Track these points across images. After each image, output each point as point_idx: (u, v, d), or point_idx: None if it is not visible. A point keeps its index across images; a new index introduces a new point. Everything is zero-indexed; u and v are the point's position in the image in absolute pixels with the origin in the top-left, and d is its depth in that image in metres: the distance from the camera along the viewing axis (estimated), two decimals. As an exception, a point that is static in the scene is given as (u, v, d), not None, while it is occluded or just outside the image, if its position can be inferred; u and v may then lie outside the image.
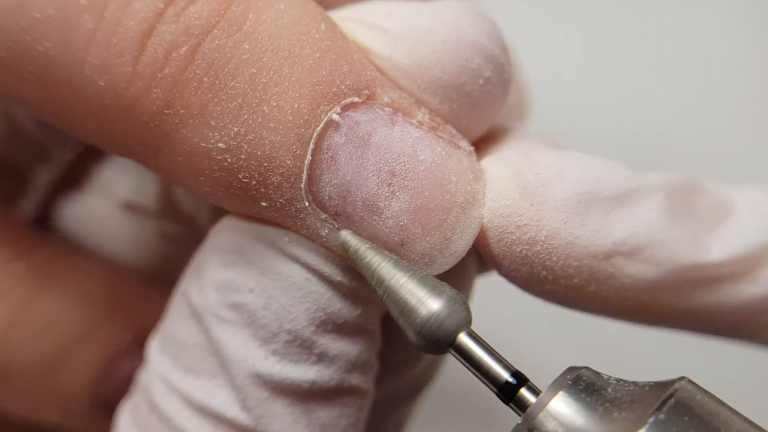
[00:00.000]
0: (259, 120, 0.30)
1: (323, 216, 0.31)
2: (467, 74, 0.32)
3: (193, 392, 0.33)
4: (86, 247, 0.43)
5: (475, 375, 0.30)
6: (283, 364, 0.32)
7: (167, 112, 0.29)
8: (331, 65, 0.30)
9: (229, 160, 0.30)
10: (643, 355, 0.62)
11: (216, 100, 0.29)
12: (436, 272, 0.32)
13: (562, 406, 0.28)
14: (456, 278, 0.35)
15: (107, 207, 0.42)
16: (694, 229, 0.33)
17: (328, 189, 0.30)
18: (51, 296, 0.39)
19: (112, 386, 0.40)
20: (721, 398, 0.29)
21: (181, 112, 0.29)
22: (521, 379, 0.29)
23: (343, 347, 0.32)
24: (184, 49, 0.29)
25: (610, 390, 0.29)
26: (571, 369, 0.30)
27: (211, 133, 0.30)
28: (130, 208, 0.42)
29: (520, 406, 0.29)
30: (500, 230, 0.32)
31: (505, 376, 0.29)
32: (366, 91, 0.31)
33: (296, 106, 0.30)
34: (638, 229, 0.32)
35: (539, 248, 0.32)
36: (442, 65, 0.32)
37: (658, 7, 0.79)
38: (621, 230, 0.32)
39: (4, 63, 0.30)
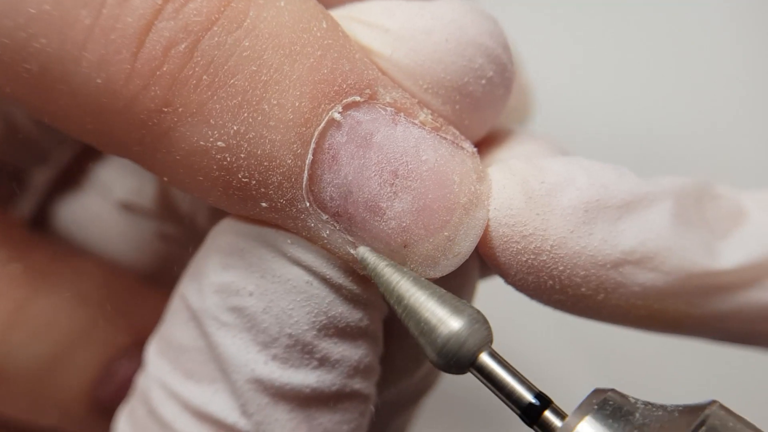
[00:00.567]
0: (260, 118, 0.29)
1: (324, 217, 0.30)
2: (470, 74, 0.32)
3: (192, 397, 0.33)
4: (84, 248, 0.42)
5: (497, 396, 0.29)
6: (283, 369, 0.32)
7: (166, 110, 0.29)
8: (332, 64, 0.30)
9: (228, 159, 0.30)
10: (661, 360, 0.62)
11: (215, 98, 0.29)
12: (439, 274, 0.32)
13: (590, 430, 0.28)
14: (458, 282, 0.34)
15: (105, 207, 0.42)
16: (705, 235, 0.33)
17: (329, 189, 0.30)
18: (48, 297, 0.39)
19: (110, 389, 0.40)
20: (754, 421, 0.28)
21: (180, 110, 0.29)
22: (545, 401, 0.29)
23: (345, 351, 0.32)
24: (183, 47, 0.29)
25: (638, 415, 0.28)
26: (597, 392, 0.29)
27: (210, 132, 0.29)
28: (128, 208, 0.42)
29: (545, 428, 0.29)
30: (505, 239, 0.32)
31: (529, 397, 0.29)
32: (368, 91, 0.31)
33: (297, 104, 0.30)
34: (648, 237, 0.32)
35: (545, 258, 0.31)
36: (444, 65, 0.32)
37: (660, 9, 0.79)
38: (630, 238, 0.32)
39: None
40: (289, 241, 0.31)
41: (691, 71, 0.77)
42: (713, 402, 0.28)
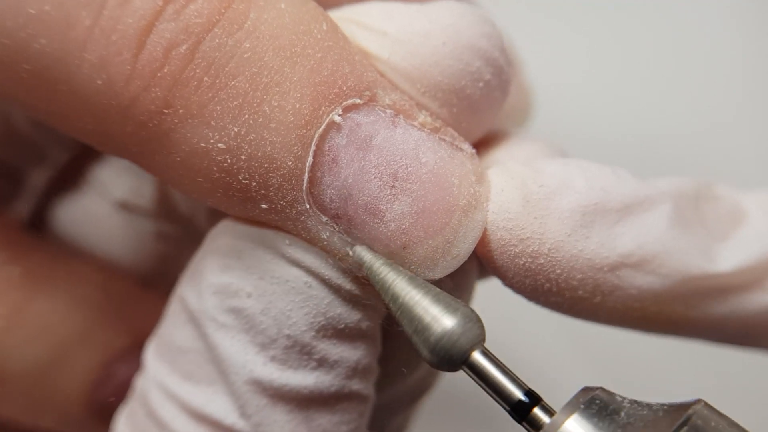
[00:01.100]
0: (260, 120, 0.29)
1: (324, 219, 0.31)
2: (467, 78, 0.32)
3: (191, 399, 0.33)
4: (82, 248, 0.42)
5: (488, 393, 0.30)
6: (282, 370, 0.32)
7: (166, 111, 0.29)
8: (332, 66, 0.30)
9: (229, 160, 0.30)
10: (659, 358, 0.62)
11: (216, 99, 0.29)
12: (438, 276, 0.32)
13: (576, 428, 0.28)
14: (456, 282, 0.35)
15: (103, 207, 0.42)
16: (703, 238, 0.33)
17: (329, 191, 0.30)
18: (46, 300, 0.39)
19: (109, 391, 0.40)
20: (737, 419, 0.28)
21: (181, 111, 0.29)
22: (534, 398, 0.29)
23: (344, 352, 0.32)
24: (184, 48, 0.29)
25: (623, 414, 0.29)
26: (585, 390, 0.30)
27: (210, 133, 0.29)
28: (127, 208, 0.42)
29: (533, 425, 0.29)
30: (503, 243, 0.32)
31: (518, 395, 0.29)
32: (367, 93, 0.31)
33: (297, 106, 0.30)
34: (645, 240, 0.32)
35: (542, 261, 0.32)
36: (442, 69, 0.32)
37: (661, 10, 0.79)
38: (628, 242, 0.32)
39: None
40: (287, 242, 0.31)
41: (692, 71, 0.77)
42: (698, 401, 0.29)
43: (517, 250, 0.32)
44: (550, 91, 0.53)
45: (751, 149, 0.74)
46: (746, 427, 0.28)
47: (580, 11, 0.78)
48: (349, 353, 0.32)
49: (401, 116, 0.31)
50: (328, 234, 0.31)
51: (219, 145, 0.30)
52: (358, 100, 0.31)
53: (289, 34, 0.30)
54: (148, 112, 0.29)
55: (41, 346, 0.39)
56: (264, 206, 0.31)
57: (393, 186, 0.30)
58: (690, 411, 0.28)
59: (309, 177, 0.30)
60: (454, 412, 0.62)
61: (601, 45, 0.78)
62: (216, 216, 0.34)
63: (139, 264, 0.43)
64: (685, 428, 0.27)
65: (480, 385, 0.30)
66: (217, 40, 0.29)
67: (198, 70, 0.29)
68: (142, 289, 0.42)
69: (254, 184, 0.30)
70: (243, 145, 0.30)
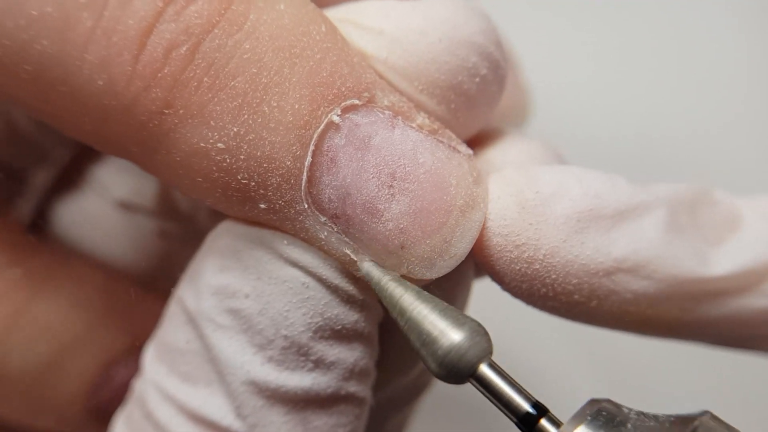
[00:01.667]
0: (260, 120, 0.30)
1: (323, 219, 0.31)
2: (463, 73, 0.33)
3: (188, 400, 0.33)
4: (83, 248, 0.43)
5: (495, 405, 0.30)
6: (279, 372, 0.32)
7: (167, 111, 0.30)
8: (331, 67, 0.31)
9: (228, 160, 0.30)
10: (662, 362, 0.62)
11: (216, 99, 0.30)
12: (435, 275, 0.32)
13: None
14: (454, 282, 0.35)
15: (104, 207, 0.42)
16: (698, 243, 0.33)
17: (327, 191, 0.31)
18: (47, 301, 0.39)
19: (108, 393, 0.40)
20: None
21: (181, 111, 0.30)
22: (541, 410, 0.30)
23: (341, 354, 0.32)
24: (184, 49, 0.29)
25: (630, 426, 0.29)
26: (592, 402, 0.30)
27: (210, 133, 0.30)
28: (127, 207, 0.42)
29: None
30: (499, 249, 0.33)
31: (526, 407, 0.30)
32: (366, 94, 0.31)
33: (296, 107, 0.30)
34: (640, 245, 0.32)
35: (538, 266, 0.32)
36: (438, 66, 0.33)
37: (660, 9, 0.79)
38: (622, 247, 0.32)
39: None
40: (285, 242, 0.32)
41: (692, 71, 0.77)
42: (705, 413, 0.29)
43: (513, 256, 0.32)
44: (548, 90, 0.53)
45: (753, 150, 0.74)
46: None
47: (579, 10, 0.78)
48: (346, 354, 0.33)
49: (399, 117, 0.32)
50: (326, 234, 0.31)
51: (218, 144, 0.30)
52: (356, 101, 0.31)
53: (288, 35, 0.30)
54: (149, 113, 0.30)
55: (41, 347, 0.39)
56: (263, 206, 0.31)
57: (391, 186, 0.31)
58: (696, 423, 0.28)
59: (307, 177, 0.30)
60: (454, 411, 0.62)
61: (599, 44, 0.78)
62: (217, 214, 0.34)
63: (140, 263, 0.43)
64: None
65: (487, 398, 0.30)
66: (216, 41, 0.30)
67: (198, 71, 0.29)
68: (143, 291, 0.42)
69: (253, 183, 0.30)
70: (242, 144, 0.30)
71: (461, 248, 0.32)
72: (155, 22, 0.29)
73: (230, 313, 0.32)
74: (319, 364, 0.32)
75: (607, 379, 0.64)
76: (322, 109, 0.30)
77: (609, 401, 0.30)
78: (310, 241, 0.32)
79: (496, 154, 0.36)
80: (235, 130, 0.30)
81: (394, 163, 0.31)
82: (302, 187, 0.31)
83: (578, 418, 0.29)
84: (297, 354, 0.32)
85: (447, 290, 0.34)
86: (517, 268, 0.33)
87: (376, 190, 0.31)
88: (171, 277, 0.36)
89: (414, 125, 0.32)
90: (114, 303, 0.41)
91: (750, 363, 0.41)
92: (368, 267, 0.31)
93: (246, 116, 0.30)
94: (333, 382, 0.33)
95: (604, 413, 0.29)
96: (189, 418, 0.33)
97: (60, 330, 0.40)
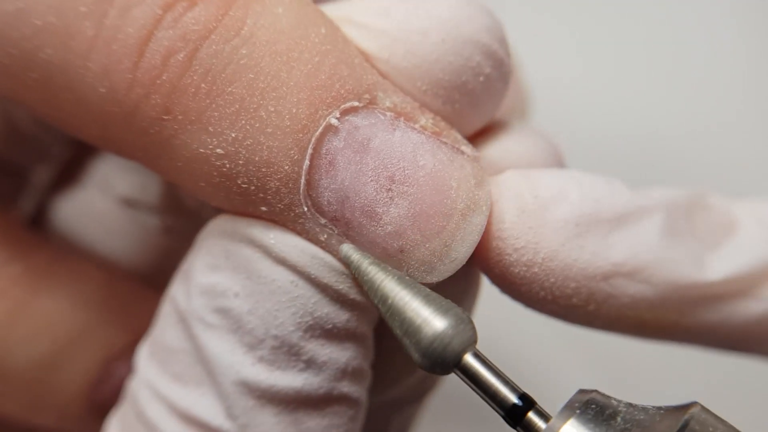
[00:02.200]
0: (257, 125, 0.30)
1: (322, 221, 0.31)
2: (468, 73, 0.33)
3: (179, 400, 0.33)
4: (86, 245, 0.43)
5: (481, 397, 0.30)
6: (270, 371, 0.32)
7: (166, 118, 0.30)
8: (330, 69, 0.31)
9: (227, 165, 0.30)
10: (658, 359, 0.63)
11: (214, 105, 0.30)
12: (436, 279, 0.32)
13: None
14: (461, 287, 0.36)
15: (107, 203, 0.42)
16: (694, 248, 0.34)
17: (326, 194, 0.31)
18: (48, 298, 0.40)
19: (108, 390, 0.40)
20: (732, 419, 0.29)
21: (180, 118, 0.30)
22: (529, 402, 0.29)
23: (332, 353, 0.32)
24: (181, 55, 0.30)
25: (619, 419, 0.29)
26: (581, 393, 0.30)
27: (209, 139, 0.30)
28: (131, 204, 0.42)
29: (528, 430, 0.29)
30: (498, 252, 0.33)
31: (512, 398, 0.29)
32: (367, 96, 0.31)
33: (294, 111, 0.30)
34: (637, 250, 0.33)
35: (537, 270, 0.33)
36: (442, 66, 0.32)
37: (659, 6, 0.79)
38: (620, 251, 0.33)
39: (7, 69, 0.31)
40: (273, 240, 0.31)
41: (690, 69, 0.77)
42: (694, 404, 0.29)
43: (512, 259, 0.33)
44: (547, 88, 0.54)
45: (750, 148, 0.74)
46: (742, 430, 0.29)
47: (577, 8, 0.78)
48: (338, 354, 0.32)
49: (401, 119, 0.32)
50: (326, 236, 0.31)
51: (217, 150, 0.30)
52: (356, 103, 0.31)
53: (286, 39, 0.30)
54: (149, 119, 0.30)
55: (42, 343, 0.39)
56: (263, 209, 0.31)
57: (390, 189, 0.31)
58: (687, 415, 0.28)
59: (306, 180, 0.31)
60: (460, 412, 0.62)
61: (598, 42, 0.78)
62: (222, 211, 0.34)
63: (144, 260, 0.43)
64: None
65: (473, 389, 0.30)
66: (214, 47, 0.30)
67: (195, 77, 0.30)
68: (145, 287, 0.42)
69: (253, 187, 0.31)
70: (240, 150, 0.30)
71: (462, 252, 0.32)
72: (154, 29, 0.29)
73: (220, 313, 0.32)
74: (311, 364, 0.32)
75: (598, 369, 0.64)
76: (320, 112, 0.30)
77: (598, 392, 0.30)
78: (311, 242, 0.32)
79: (496, 149, 0.36)
80: (233, 135, 0.30)
81: (393, 166, 0.31)
82: (301, 191, 0.31)
83: (567, 410, 0.29)
84: (288, 354, 0.32)
85: (455, 294, 0.34)
86: (516, 271, 0.33)
87: (375, 193, 0.31)
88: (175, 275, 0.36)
89: (416, 126, 0.32)
90: (115, 299, 0.41)
91: (746, 363, 0.41)
92: (347, 250, 0.31)
93: (244, 122, 0.30)
94: (325, 383, 0.32)
95: (593, 405, 0.29)
96: (180, 418, 0.33)
97: (61, 326, 0.40)
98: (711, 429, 0.28)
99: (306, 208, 0.31)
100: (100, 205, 0.43)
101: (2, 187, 0.42)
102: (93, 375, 0.41)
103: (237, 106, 0.30)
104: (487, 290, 0.39)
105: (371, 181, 0.31)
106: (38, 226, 0.43)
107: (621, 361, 0.63)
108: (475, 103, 0.34)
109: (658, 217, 0.33)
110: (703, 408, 0.29)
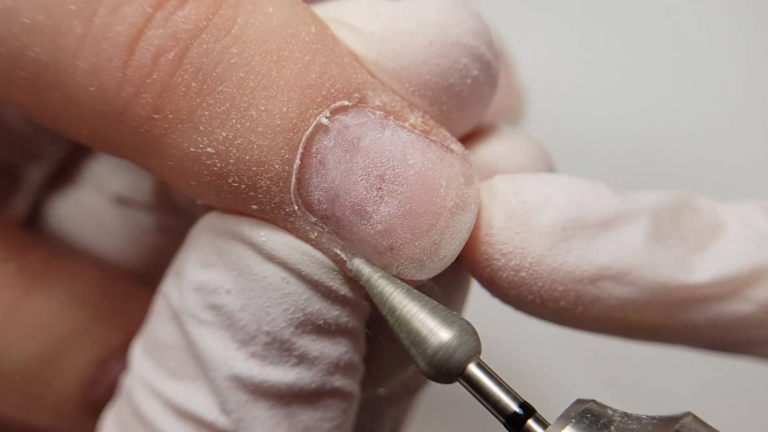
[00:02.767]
0: (248, 124, 0.30)
1: (312, 219, 0.31)
2: (455, 75, 0.33)
3: (174, 395, 0.33)
4: (80, 244, 0.43)
5: (483, 405, 0.31)
6: (262, 367, 0.32)
7: (156, 117, 0.30)
8: (320, 69, 0.31)
9: (218, 164, 0.31)
10: (659, 362, 0.63)
11: (204, 104, 0.30)
12: (425, 277, 0.33)
13: None
14: (449, 282, 0.36)
15: (100, 202, 0.43)
16: (679, 251, 0.34)
17: (317, 193, 0.31)
18: (42, 297, 0.40)
19: (103, 389, 0.41)
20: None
21: (170, 117, 0.30)
22: (528, 411, 0.30)
23: (324, 348, 0.33)
24: (172, 54, 0.30)
25: (613, 428, 0.30)
26: (578, 402, 0.31)
27: (199, 138, 0.30)
28: (124, 202, 0.42)
29: None
30: (486, 257, 0.33)
31: (513, 407, 0.30)
32: (357, 95, 0.32)
33: (285, 110, 0.30)
34: (623, 253, 0.33)
35: (524, 274, 0.33)
36: (429, 68, 0.33)
37: (658, 8, 0.79)
38: (606, 255, 0.33)
39: None
40: (264, 238, 0.32)
41: (688, 71, 0.77)
42: (687, 414, 0.30)
43: (500, 264, 0.33)
44: (542, 89, 0.54)
45: (748, 150, 0.74)
46: None
47: (575, 8, 0.78)
48: (330, 349, 0.33)
49: (391, 118, 0.32)
50: (316, 234, 0.32)
51: (208, 149, 0.30)
52: (346, 102, 0.31)
53: (276, 38, 0.31)
54: (140, 118, 0.30)
55: (36, 343, 0.40)
56: (254, 207, 0.32)
57: (380, 188, 0.31)
58: (677, 426, 0.29)
59: (297, 179, 0.31)
60: (454, 409, 0.63)
61: (595, 43, 0.78)
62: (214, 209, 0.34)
63: (138, 258, 0.43)
64: None
65: (475, 397, 0.31)
66: (204, 46, 0.30)
67: (186, 76, 0.30)
68: (139, 286, 0.42)
69: (243, 186, 0.31)
70: (231, 149, 0.30)
71: (451, 250, 0.32)
72: (144, 28, 0.30)
73: (212, 309, 0.33)
74: (303, 359, 0.33)
75: (599, 377, 0.64)
76: (310, 111, 0.31)
77: (595, 402, 0.31)
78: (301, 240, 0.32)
79: (486, 153, 0.37)
80: (223, 134, 0.30)
81: (383, 164, 0.31)
82: (291, 190, 0.31)
83: (564, 419, 0.30)
84: (280, 349, 0.32)
85: (444, 288, 0.35)
86: (504, 275, 0.33)
87: (365, 192, 0.31)
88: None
89: (406, 125, 0.32)
90: (109, 299, 0.42)
91: (745, 364, 0.42)
92: (358, 264, 0.32)
93: (234, 120, 0.30)
94: (318, 377, 0.33)
95: (589, 414, 0.30)
96: (175, 413, 0.33)
97: (55, 326, 0.40)
98: None
99: (296, 207, 0.31)
100: (94, 204, 0.43)
101: (-3, 186, 0.43)
102: (87, 374, 0.41)
103: (227, 105, 0.30)
104: (483, 291, 0.39)
105: (361, 179, 0.31)
106: (32, 225, 0.44)
107: (620, 361, 0.63)
108: (462, 105, 0.34)
109: (644, 220, 0.34)
110: (695, 418, 0.30)
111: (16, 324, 0.39)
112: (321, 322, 0.33)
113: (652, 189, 0.35)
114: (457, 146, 0.33)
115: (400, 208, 0.31)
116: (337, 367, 0.33)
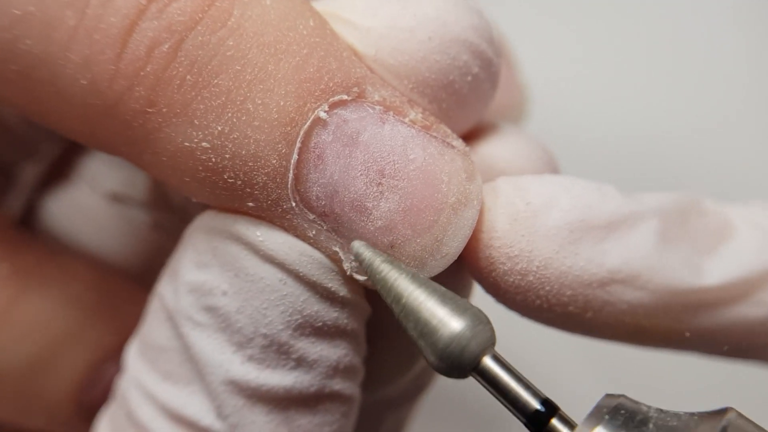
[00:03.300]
0: (244, 118, 0.30)
1: (311, 216, 0.31)
2: (455, 72, 0.33)
3: (169, 399, 0.33)
4: (75, 242, 0.43)
5: (501, 402, 0.29)
6: (260, 370, 0.32)
7: (150, 110, 0.30)
8: (318, 62, 0.31)
9: (213, 159, 0.30)
10: (669, 363, 0.62)
11: (199, 98, 0.30)
12: (427, 275, 0.32)
13: None
14: (452, 279, 0.35)
15: (96, 199, 0.43)
16: (689, 253, 0.34)
17: (315, 189, 0.31)
18: (36, 298, 0.40)
19: (98, 391, 0.40)
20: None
21: (164, 110, 0.30)
22: (551, 408, 0.29)
23: (323, 351, 0.32)
24: (166, 47, 0.30)
25: (651, 425, 0.28)
26: (608, 397, 0.29)
27: (194, 132, 0.30)
28: (119, 199, 0.42)
29: None
30: (491, 261, 0.33)
31: (535, 404, 0.29)
32: (356, 89, 0.31)
33: (282, 103, 0.30)
34: (632, 256, 0.33)
35: (531, 278, 0.32)
36: (429, 64, 0.32)
37: (659, 7, 0.79)
38: (615, 258, 0.32)
39: None
40: (260, 238, 0.31)
41: (689, 69, 0.78)
42: (729, 409, 0.28)
43: (506, 268, 0.33)
44: (545, 88, 0.54)
45: (749, 149, 0.74)
46: None
47: (577, 8, 0.78)
48: (329, 352, 0.32)
49: (390, 113, 0.32)
50: (314, 232, 0.31)
51: (203, 144, 0.30)
52: (345, 96, 0.31)
53: (273, 30, 0.30)
54: (133, 112, 0.30)
55: (30, 344, 0.39)
56: (250, 204, 0.31)
57: (380, 183, 0.31)
58: (724, 421, 0.27)
59: (294, 174, 0.31)
60: (454, 412, 0.62)
61: (597, 42, 0.78)
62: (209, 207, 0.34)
63: (133, 255, 0.43)
64: None
65: (492, 394, 0.29)
66: (199, 38, 0.30)
67: (181, 69, 0.30)
68: (135, 287, 0.42)
69: (239, 182, 0.31)
70: (227, 143, 0.30)
71: (453, 247, 0.32)
72: (138, 19, 0.29)
73: (208, 311, 0.32)
74: (301, 362, 0.32)
75: (599, 377, 0.64)
76: (308, 105, 0.30)
77: (626, 397, 0.29)
78: (299, 239, 0.32)
79: (488, 154, 0.36)
80: (219, 128, 0.30)
81: (383, 159, 0.31)
82: (289, 186, 0.31)
83: (595, 417, 0.28)
84: (277, 352, 0.32)
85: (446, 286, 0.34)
86: (511, 280, 0.33)
87: (365, 187, 0.31)
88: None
89: (406, 120, 0.32)
90: (105, 299, 0.41)
91: (758, 371, 0.41)
92: (359, 247, 0.31)
93: (230, 114, 0.30)
94: (316, 381, 0.32)
95: (622, 411, 0.28)
96: (170, 417, 0.33)
97: (49, 327, 0.40)
98: None
99: (294, 204, 0.31)
100: (89, 201, 0.43)
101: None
102: (82, 377, 0.41)
103: (223, 99, 0.30)
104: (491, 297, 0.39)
105: (361, 175, 0.31)
106: (27, 224, 0.44)
107: (635, 363, 0.63)
108: (462, 103, 0.34)
109: (652, 222, 0.33)
110: (739, 414, 0.28)
111: (10, 325, 0.39)
112: (320, 324, 0.32)
113: (654, 189, 0.35)
114: (457, 142, 0.33)
115: (400, 204, 0.31)
116: (337, 370, 0.33)
